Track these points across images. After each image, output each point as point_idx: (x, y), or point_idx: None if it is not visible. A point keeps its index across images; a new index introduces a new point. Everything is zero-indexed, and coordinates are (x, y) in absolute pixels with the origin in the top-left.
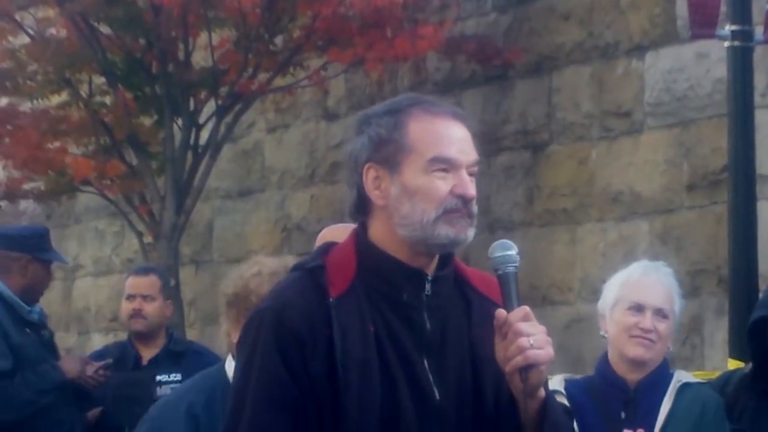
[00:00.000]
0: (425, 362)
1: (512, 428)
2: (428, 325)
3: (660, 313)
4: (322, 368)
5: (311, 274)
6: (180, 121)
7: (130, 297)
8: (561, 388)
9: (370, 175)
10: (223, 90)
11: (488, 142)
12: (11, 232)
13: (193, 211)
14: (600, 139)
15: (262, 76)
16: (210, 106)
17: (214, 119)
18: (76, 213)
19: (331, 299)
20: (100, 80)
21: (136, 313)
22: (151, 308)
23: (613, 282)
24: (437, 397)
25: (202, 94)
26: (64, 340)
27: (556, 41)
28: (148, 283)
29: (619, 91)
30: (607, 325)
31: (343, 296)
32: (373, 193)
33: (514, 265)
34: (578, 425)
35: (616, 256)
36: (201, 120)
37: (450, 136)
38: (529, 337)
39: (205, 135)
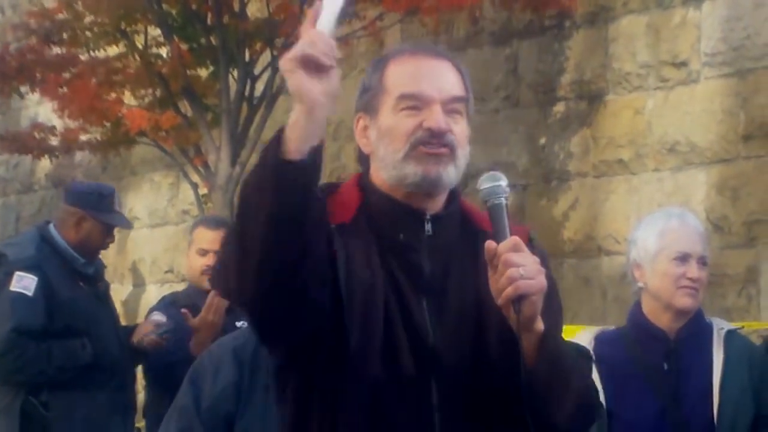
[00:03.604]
0: (423, 304)
1: (512, 370)
2: (427, 267)
3: (702, 261)
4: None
5: None
6: (235, 73)
7: (203, 252)
8: (590, 345)
9: (359, 126)
10: (279, 41)
11: (544, 92)
12: (74, 187)
13: (249, 162)
14: (656, 89)
15: None
16: (265, 58)
17: (269, 70)
18: (131, 165)
19: (332, 225)
20: (155, 32)
21: (210, 270)
22: None
23: (647, 232)
24: (431, 339)
25: (258, 46)
26: (119, 291)
27: None
28: (221, 237)
29: (676, 40)
30: (646, 276)
31: (345, 225)
32: (361, 142)
33: (504, 196)
34: (613, 377)
35: (672, 206)
36: (256, 71)
37: (422, 73)
38: (519, 267)
39: (260, 86)
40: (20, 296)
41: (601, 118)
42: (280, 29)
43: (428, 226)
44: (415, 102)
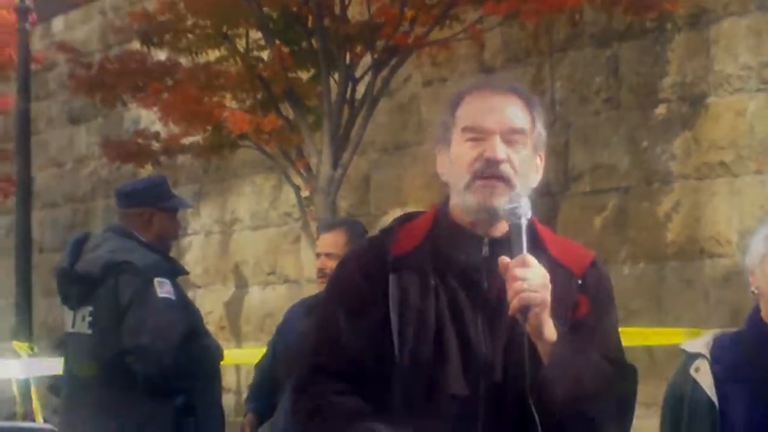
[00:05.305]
0: (479, 320)
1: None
2: (485, 285)
3: None
4: (378, 317)
5: (377, 237)
6: (336, 76)
7: (318, 255)
8: (706, 349)
9: (439, 158)
10: (380, 44)
11: (645, 95)
12: (128, 189)
13: (350, 165)
14: (758, 90)
15: (418, 30)
16: (366, 60)
17: (370, 73)
18: (233, 167)
19: (390, 257)
20: (257, 35)
21: (320, 272)
22: (332, 265)
23: (757, 237)
24: (485, 354)
25: (358, 48)
26: (222, 293)
27: None
28: (331, 239)
29: None
30: (758, 281)
31: (405, 255)
32: (441, 172)
33: (524, 216)
34: (727, 379)
35: None
36: (357, 74)
37: (486, 106)
38: (524, 281)
39: (361, 89)
40: (171, 301)
41: (703, 121)
42: (380, 32)
43: (486, 249)
44: (477, 134)
